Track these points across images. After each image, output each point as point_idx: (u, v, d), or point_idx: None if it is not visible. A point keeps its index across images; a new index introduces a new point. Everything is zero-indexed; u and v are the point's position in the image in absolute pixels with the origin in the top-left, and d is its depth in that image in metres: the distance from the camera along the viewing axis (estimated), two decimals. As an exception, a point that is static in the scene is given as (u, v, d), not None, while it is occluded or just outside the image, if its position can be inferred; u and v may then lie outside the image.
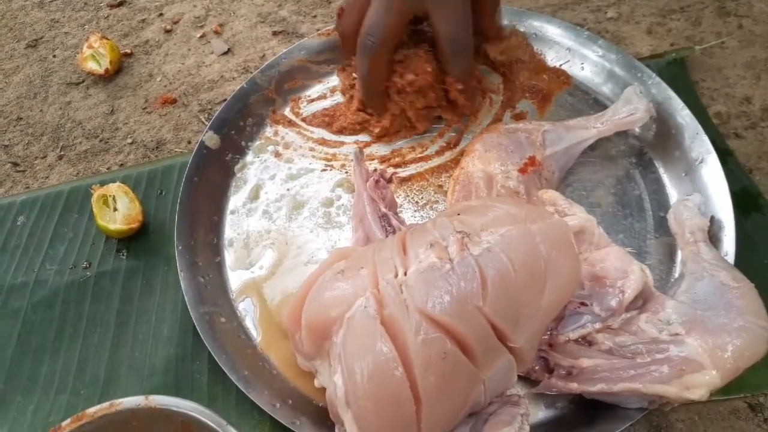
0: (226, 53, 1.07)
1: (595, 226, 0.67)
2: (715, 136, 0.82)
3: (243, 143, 0.89)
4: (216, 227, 0.83)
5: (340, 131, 0.90)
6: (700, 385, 0.56)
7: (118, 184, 0.85)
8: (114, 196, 0.83)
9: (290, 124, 0.91)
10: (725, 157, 0.80)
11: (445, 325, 0.54)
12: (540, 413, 0.65)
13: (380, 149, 0.88)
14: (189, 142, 0.96)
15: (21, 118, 1.05)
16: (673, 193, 0.78)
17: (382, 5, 0.77)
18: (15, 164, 0.98)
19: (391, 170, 0.84)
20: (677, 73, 0.92)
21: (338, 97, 0.93)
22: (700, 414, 0.65)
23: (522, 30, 0.93)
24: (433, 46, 0.82)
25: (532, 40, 0.93)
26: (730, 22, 1.00)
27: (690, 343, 0.58)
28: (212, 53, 1.08)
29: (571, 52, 0.91)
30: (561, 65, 0.91)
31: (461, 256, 0.57)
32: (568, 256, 0.61)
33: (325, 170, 0.86)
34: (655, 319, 0.61)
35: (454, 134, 0.88)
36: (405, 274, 0.58)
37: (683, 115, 0.80)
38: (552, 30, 0.93)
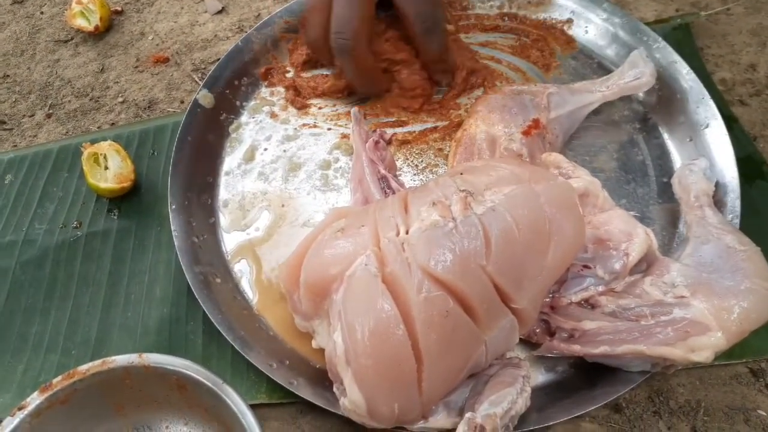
0: (220, 12, 1.04)
1: (599, 188, 0.66)
2: (719, 103, 0.81)
3: (238, 103, 0.87)
4: (210, 188, 0.81)
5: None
6: (705, 347, 0.55)
7: (109, 142, 0.82)
8: (105, 154, 0.81)
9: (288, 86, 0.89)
10: (730, 124, 0.79)
11: (448, 284, 0.53)
12: (540, 377, 0.65)
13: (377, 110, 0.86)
14: (182, 102, 0.94)
15: (8, 76, 1.02)
16: (677, 159, 0.77)
17: (344, 0, 0.74)
18: (2, 122, 0.95)
19: (390, 131, 0.82)
20: (682, 39, 0.90)
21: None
22: (702, 379, 0.65)
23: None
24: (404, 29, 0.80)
25: (537, 4, 0.91)
26: (736, -11, 0.98)
27: (695, 305, 0.57)
28: (206, 12, 1.05)
29: (575, 15, 0.89)
30: (563, 26, 0.89)
31: (464, 215, 0.56)
32: (572, 218, 0.60)
33: (321, 131, 0.84)
34: (659, 282, 0.61)
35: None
36: (407, 232, 0.57)
37: (688, 80, 0.79)
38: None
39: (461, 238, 0.55)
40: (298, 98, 0.87)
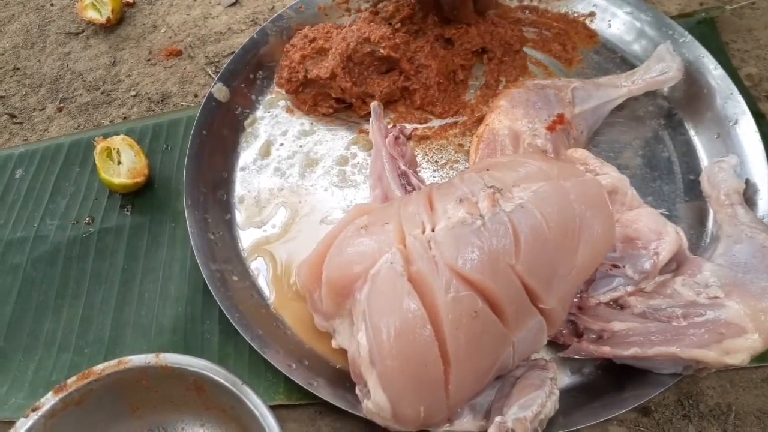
0: (233, 4, 1.03)
1: (627, 185, 0.64)
2: (746, 98, 0.79)
3: (253, 97, 0.85)
4: (225, 183, 0.79)
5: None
6: (741, 350, 0.53)
7: (122, 136, 0.81)
8: (118, 148, 0.79)
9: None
10: (757, 119, 0.76)
11: (476, 283, 0.52)
12: (566, 379, 0.63)
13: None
14: (195, 96, 0.92)
15: (18, 69, 1.00)
16: (703, 156, 0.75)
17: None
18: (12, 116, 0.94)
19: (410, 127, 0.80)
20: (707, 33, 0.88)
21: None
22: (732, 381, 0.63)
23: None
24: None
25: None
26: (761, -18, 0.96)
27: (731, 306, 0.55)
28: (219, 4, 1.03)
29: (598, 8, 0.87)
30: (584, 19, 0.87)
31: (493, 212, 0.54)
32: (602, 215, 0.58)
33: (338, 126, 0.83)
34: (691, 282, 0.59)
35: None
36: (433, 230, 0.55)
37: (715, 75, 0.77)
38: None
39: (490, 236, 0.53)
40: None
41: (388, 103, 0.83)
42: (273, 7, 1.01)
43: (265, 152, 0.81)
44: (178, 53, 0.97)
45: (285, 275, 0.71)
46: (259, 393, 0.55)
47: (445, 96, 0.82)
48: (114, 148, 0.79)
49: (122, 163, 0.79)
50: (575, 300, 0.61)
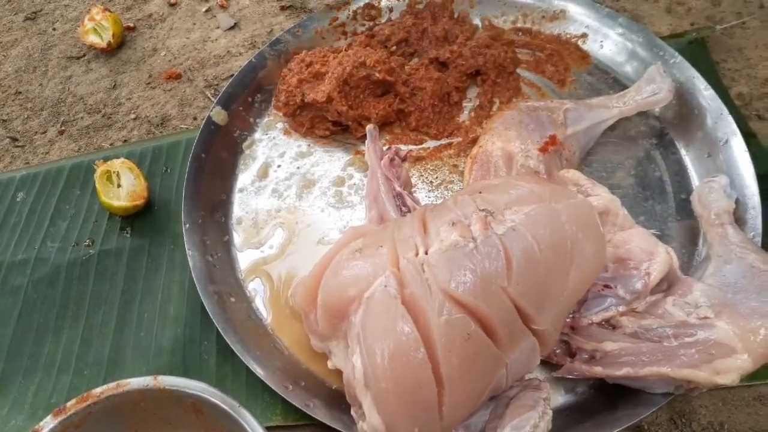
0: (232, 28, 1.04)
1: (619, 206, 0.65)
2: (737, 118, 0.80)
3: (251, 119, 0.87)
4: (224, 205, 0.80)
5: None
6: (730, 370, 0.54)
7: (122, 159, 0.82)
8: (118, 172, 0.81)
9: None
10: (748, 139, 0.78)
11: (469, 306, 0.52)
12: (559, 398, 0.63)
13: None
14: (195, 119, 0.93)
15: (20, 92, 1.02)
16: (695, 175, 0.76)
17: None
18: (14, 139, 0.95)
19: (405, 148, 0.82)
20: (698, 53, 0.90)
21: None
22: (725, 400, 0.64)
23: (543, 6, 0.91)
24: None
25: (551, 19, 0.91)
26: (751, 2, 0.97)
27: (720, 326, 0.56)
28: (218, 28, 1.05)
29: (590, 29, 0.89)
30: (577, 40, 0.89)
31: (485, 235, 0.55)
32: (593, 237, 0.59)
33: (335, 148, 0.84)
34: (682, 302, 0.60)
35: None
36: (426, 252, 0.56)
37: (706, 96, 0.78)
38: (573, 8, 0.90)
39: (482, 258, 0.54)
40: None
41: (384, 125, 0.85)
42: (271, 31, 1.03)
43: (263, 174, 0.83)
44: (178, 76, 0.99)
45: (282, 296, 0.72)
46: (256, 415, 0.55)
47: (440, 117, 0.84)
48: (114, 172, 0.81)
49: (122, 186, 0.80)
50: (568, 320, 0.62)
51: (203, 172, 0.80)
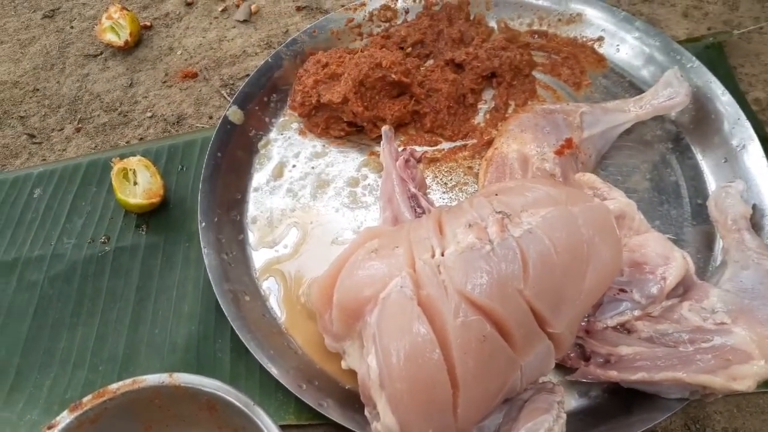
0: (245, 21, 1.05)
1: (635, 210, 0.65)
2: (754, 123, 0.79)
3: (267, 119, 0.87)
4: (239, 204, 0.80)
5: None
6: (747, 376, 0.54)
7: (138, 157, 0.83)
8: (135, 169, 0.81)
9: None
10: (765, 144, 0.77)
11: (485, 308, 0.52)
12: (573, 402, 0.63)
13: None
14: (210, 117, 0.94)
15: (37, 90, 1.03)
16: (711, 180, 0.76)
17: None
18: (31, 136, 0.96)
19: (420, 149, 0.82)
20: (715, 58, 0.89)
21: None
22: (740, 406, 0.63)
23: (559, 9, 0.91)
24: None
25: (568, 22, 0.91)
26: (768, 7, 0.97)
27: (737, 332, 0.56)
28: (234, 27, 1.05)
29: (606, 33, 0.88)
30: (593, 44, 0.89)
31: (502, 237, 0.55)
32: (610, 240, 0.59)
33: (350, 148, 0.84)
34: (698, 307, 0.59)
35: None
36: (442, 254, 0.56)
37: (723, 101, 0.78)
38: (589, 11, 0.90)
39: (498, 261, 0.54)
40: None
41: (399, 126, 0.85)
42: (287, 30, 1.04)
43: (278, 173, 0.83)
44: (194, 75, 0.99)
45: (296, 295, 0.73)
46: (270, 413, 0.55)
47: (455, 119, 0.84)
48: (130, 169, 0.81)
49: (138, 184, 0.81)
50: (583, 324, 0.61)
51: (219, 171, 0.80)
